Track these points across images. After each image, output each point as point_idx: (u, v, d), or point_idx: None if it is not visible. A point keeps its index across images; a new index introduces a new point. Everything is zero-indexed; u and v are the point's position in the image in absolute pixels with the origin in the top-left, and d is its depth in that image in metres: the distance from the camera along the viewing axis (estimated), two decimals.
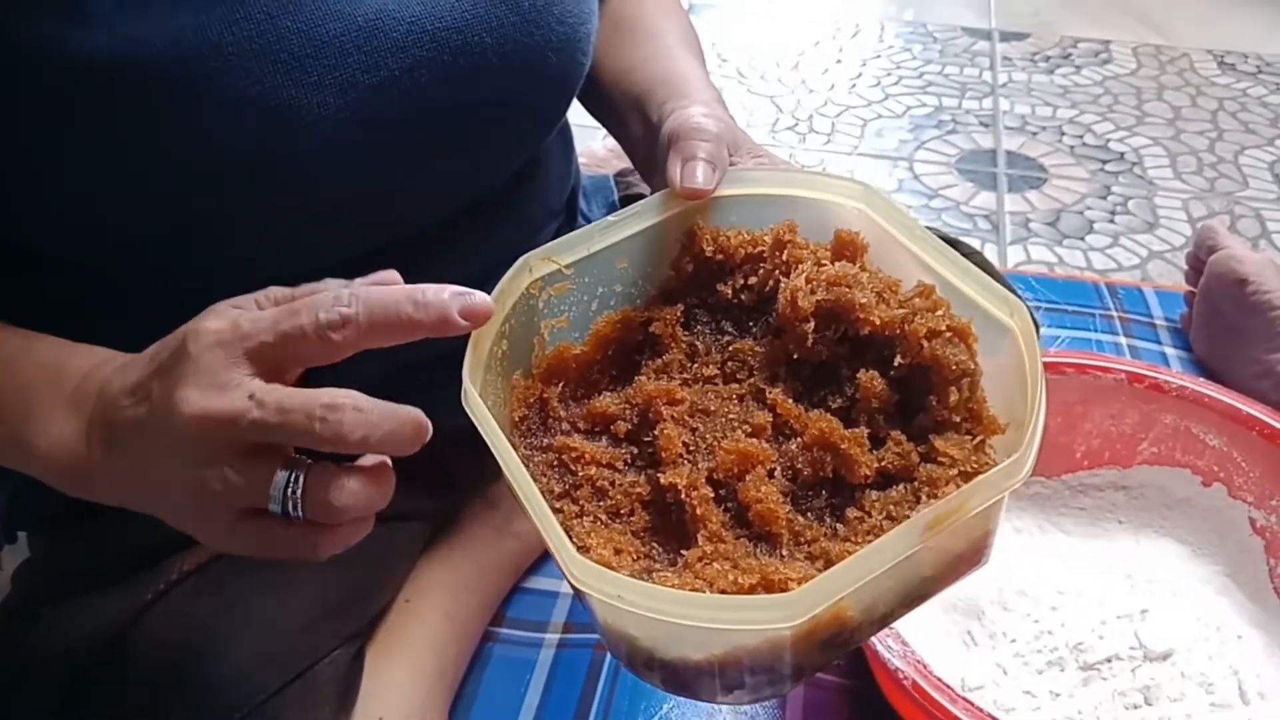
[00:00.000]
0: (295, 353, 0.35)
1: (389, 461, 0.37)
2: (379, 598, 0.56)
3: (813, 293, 0.39)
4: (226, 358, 0.35)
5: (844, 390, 0.39)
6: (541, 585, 0.69)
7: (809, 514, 0.38)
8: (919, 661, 0.51)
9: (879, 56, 1.55)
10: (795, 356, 0.40)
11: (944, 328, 0.37)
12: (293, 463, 0.35)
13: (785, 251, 0.42)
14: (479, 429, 0.36)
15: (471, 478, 0.64)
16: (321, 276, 0.38)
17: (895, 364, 0.38)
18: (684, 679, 0.35)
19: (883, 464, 0.37)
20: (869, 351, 0.39)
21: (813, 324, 0.39)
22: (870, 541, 0.34)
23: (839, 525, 0.37)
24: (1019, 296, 0.39)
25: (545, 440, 0.41)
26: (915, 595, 0.37)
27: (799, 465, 0.38)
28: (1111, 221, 1.14)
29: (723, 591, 0.34)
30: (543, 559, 0.69)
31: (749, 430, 0.39)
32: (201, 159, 0.41)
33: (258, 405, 0.34)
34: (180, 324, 0.37)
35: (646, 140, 0.52)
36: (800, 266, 0.40)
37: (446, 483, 0.62)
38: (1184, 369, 0.90)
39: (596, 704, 0.62)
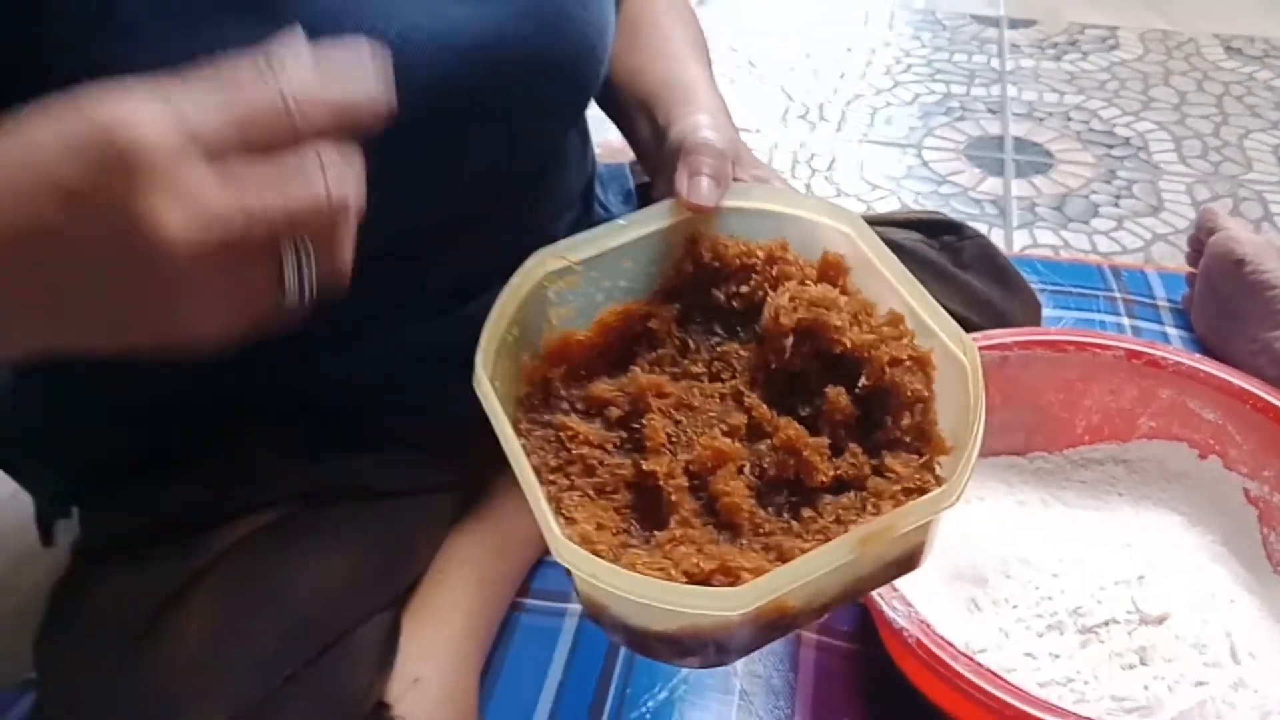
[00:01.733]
0: (255, 134, 0.32)
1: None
2: (413, 567, 0.60)
3: (795, 310, 0.43)
4: (194, 161, 0.31)
5: (813, 401, 0.43)
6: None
7: (770, 509, 0.42)
8: (923, 622, 0.54)
9: (889, 44, 1.57)
10: (773, 366, 0.44)
11: (906, 356, 0.41)
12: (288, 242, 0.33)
13: (776, 266, 0.45)
14: (484, 409, 0.39)
15: (497, 454, 0.67)
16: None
17: (860, 384, 0.42)
18: (646, 645, 0.40)
19: (838, 472, 0.41)
20: (839, 369, 0.43)
21: (792, 339, 0.43)
22: (819, 540, 0.39)
23: (794, 522, 0.41)
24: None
25: (546, 417, 0.44)
26: (852, 591, 0.41)
27: (766, 465, 0.42)
28: (1116, 205, 1.16)
29: (686, 572, 0.38)
30: None
31: (725, 429, 0.43)
32: None
33: (254, 201, 0.31)
34: None
35: (653, 142, 0.55)
36: (787, 283, 0.44)
37: (473, 458, 0.65)
38: (1185, 348, 0.92)
39: (618, 671, 0.65)
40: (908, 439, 0.41)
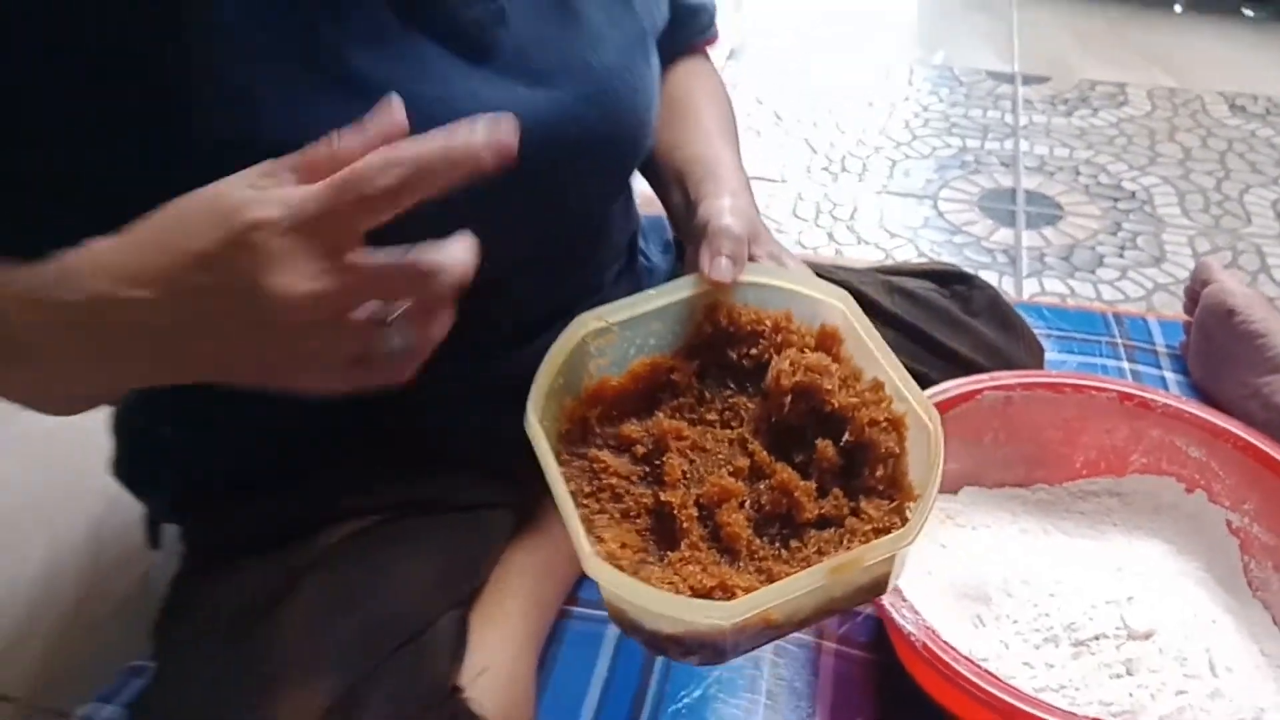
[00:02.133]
0: (357, 224, 0.39)
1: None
2: (479, 574, 0.68)
3: (794, 374, 0.51)
4: (302, 242, 0.38)
5: (805, 450, 0.51)
6: None
7: (764, 538, 0.50)
8: (929, 628, 0.61)
9: (908, 99, 1.66)
10: (774, 419, 0.52)
11: (883, 418, 0.50)
12: (388, 313, 0.41)
13: (781, 334, 0.54)
14: (532, 445, 0.47)
15: (544, 478, 0.75)
16: None
17: (845, 438, 0.50)
18: (657, 644, 0.48)
19: (822, 511, 0.49)
20: (828, 424, 0.51)
21: (790, 397, 0.51)
22: (801, 567, 0.47)
23: (783, 550, 0.49)
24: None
25: (583, 450, 0.52)
26: (827, 609, 0.49)
27: (763, 502, 0.50)
28: (1121, 256, 1.24)
29: (691, 587, 0.46)
30: None
31: (731, 470, 0.51)
32: None
33: (365, 278, 0.40)
34: None
35: (684, 210, 0.64)
36: (789, 349, 0.52)
37: (526, 480, 0.73)
38: (1182, 392, 1.00)
39: (657, 671, 0.73)
40: (881, 487, 0.49)
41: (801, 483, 0.49)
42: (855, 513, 0.49)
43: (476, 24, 0.56)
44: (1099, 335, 1.07)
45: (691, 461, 0.52)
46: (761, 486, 0.50)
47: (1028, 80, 1.72)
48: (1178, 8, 2.00)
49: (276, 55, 0.50)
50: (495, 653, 0.64)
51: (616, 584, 0.44)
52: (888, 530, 0.48)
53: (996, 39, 1.87)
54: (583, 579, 0.79)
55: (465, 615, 0.65)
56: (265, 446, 0.66)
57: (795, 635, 0.75)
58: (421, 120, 0.52)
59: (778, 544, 0.49)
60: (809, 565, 0.47)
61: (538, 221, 0.62)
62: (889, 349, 0.51)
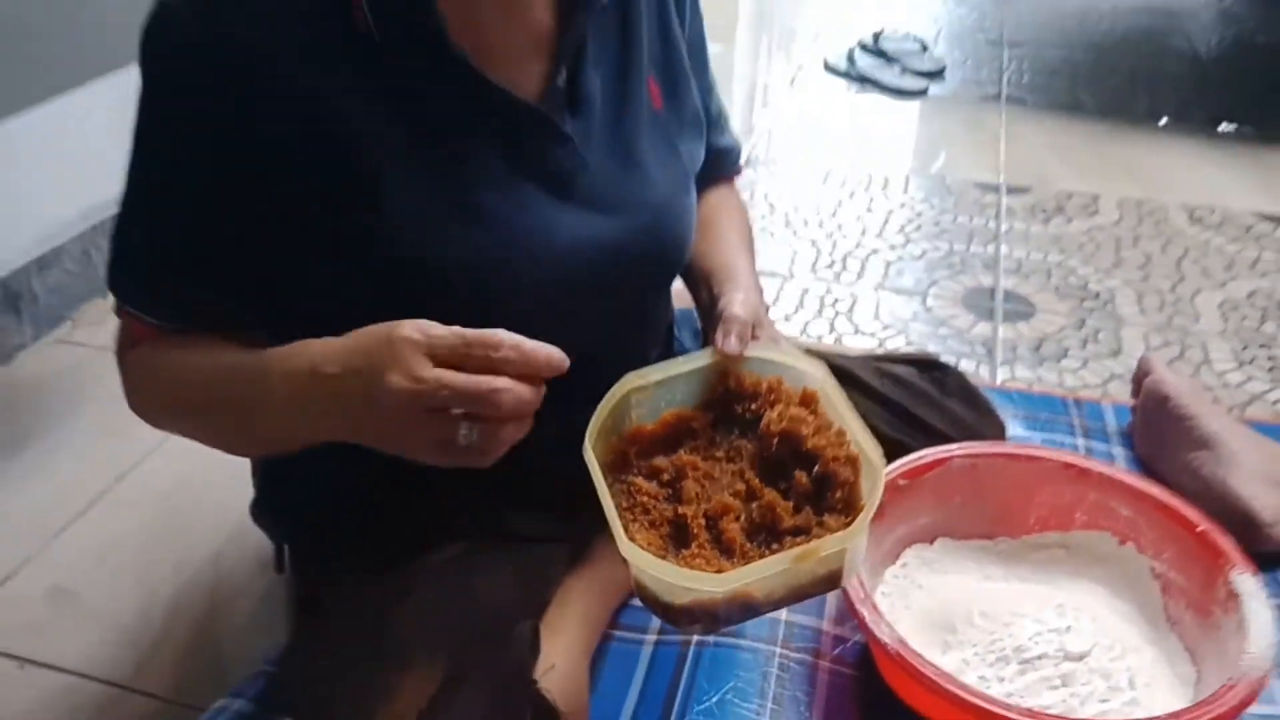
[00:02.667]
0: (470, 364, 0.59)
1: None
2: (547, 591, 0.85)
3: (780, 423, 0.69)
4: (420, 354, 0.58)
5: (788, 478, 0.69)
6: None
7: (754, 542, 0.67)
8: (903, 641, 0.78)
9: (903, 206, 1.87)
10: (765, 456, 0.70)
11: (843, 456, 0.68)
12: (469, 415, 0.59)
13: (773, 394, 0.72)
14: (589, 469, 0.65)
15: (596, 514, 0.94)
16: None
17: (814, 470, 0.68)
18: (670, 615, 0.65)
19: (796, 523, 0.67)
20: (804, 460, 0.69)
21: (777, 440, 0.70)
22: None
23: (766, 551, 0.66)
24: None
25: (624, 476, 0.71)
26: (796, 593, 0.66)
27: (754, 516, 0.68)
28: (1083, 348, 1.43)
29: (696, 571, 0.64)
30: None
31: (732, 493, 0.69)
32: (460, 310, 0.72)
33: (444, 386, 0.57)
34: None
35: (708, 303, 0.84)
36: (779, 405, 0.71)
37: (583, 515, 0.91)
38: (1129, 466, 1.17)
39: (684, 681, 0.89)
40: (839, 505, 0.67)
41: (782, 502, 0.67)
42: (820, 524, 0.67)
43: (564, 170, 0.76)
44: (1060, 416, 1.25)
45: (702, 486, 0.70)
46: (753, 505, 0.68)
47: (1011, 191, 1.93)
48: (1163, 121, 2.23)
49: (427, 195, 0.70)
50: (559, 654, 0.81)
51: (644, 562, 0.62)
52: (840, 545, 0.65)
53: (984, 153, 2.09)
54: (623, 608, 0.96)
55: (536, 624, 0.82)
56: (377, 487, 0.84)
57: (797, 655, 0.92)
58: (524, 242, 0.73)
59: (763, 546, 0.67)
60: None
61: (601, 314, 0.82)
62: (852, 407, 0.70)
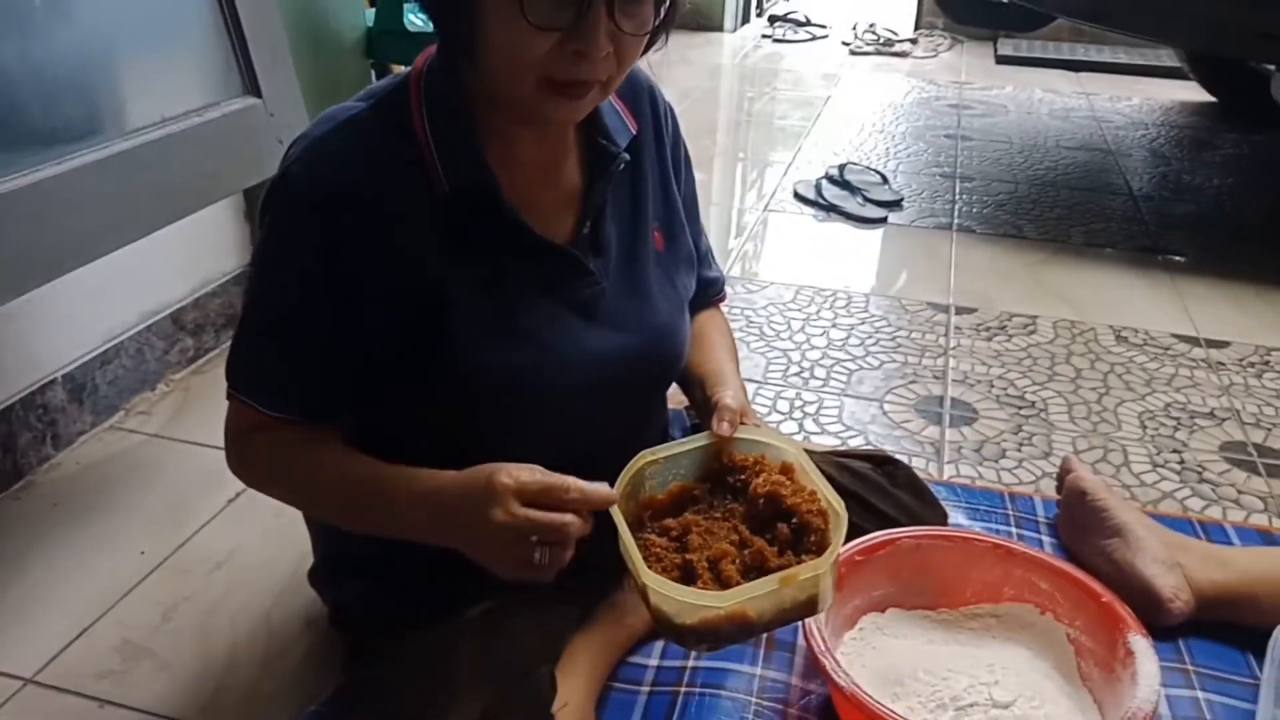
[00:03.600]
0: (546, 502, 0.80)
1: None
2: (560, 644, 1.01)
3: (765, 488, 0.89)
4: (510, 495, 0.80)
5: (772, 530, 0.88)
6: (636, 660, 1.13)
7: (747, 579, 0.84)
8: (856, 684, 0.95)
9: (863, 323, 2.10)
10: (752, 513, 0.89)
11: (816, 510, 0.87)
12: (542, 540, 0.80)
13: (758, 467, 0.92)
14: (617, 528, 0.83)
15: (606, 585, 1.11)
16: (534, 460, 0.84)
17: (792, 522, 0.87)
18: (679, 635, 0.83)
19: (781, 563, 0.85)
20: (784, 515, 0.88)
21: (763, 501, 0.89)
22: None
23: None
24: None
25: (640, 535, 0.89)
26: (781, 617, 0.84)
27: (747, 559, 0.86)
28: (1019, 450, 1.63)
29: None
30: (640, 644, 1.14)
31: (729, 542, 0.87)
32: (510, 407, 0.91)
33: (531, 522, 0.80)
34: (468, 461, 0.83)
35: (703, 400, 1.03)
36: (763, 474, 0.90)
37: (590, 586, 1.08)
38: (1055, 552, 1.35)
39: None
40: (814, 548, 0.86)
41: (769, 548, 0.86)
42: (800, 562, 0.85)
43: (589, 298, 0.97)
44: (998, 508, 1.45)
45: (704, 538, 0.88)
46: (745, 551, 0.86)
47: (959, 310, 2.16)
48: (1099, 250, 2.49)
49: (485, 320, 0.90)
50: (572, 694, 0.97)
51: (658, 584, 0.80)
52: (814, 569, 0.84)
53: (937, 276, 2.34)
54: (621, 664, 1.12)
55: (553, 670, 0.99)
56: (425, 561, 1.01)
57: (770, 704, 1.08)
58: (557, 353, 0.94)
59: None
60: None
61: (614, 410, 1.01)
62: (821, 475, 0.89)
